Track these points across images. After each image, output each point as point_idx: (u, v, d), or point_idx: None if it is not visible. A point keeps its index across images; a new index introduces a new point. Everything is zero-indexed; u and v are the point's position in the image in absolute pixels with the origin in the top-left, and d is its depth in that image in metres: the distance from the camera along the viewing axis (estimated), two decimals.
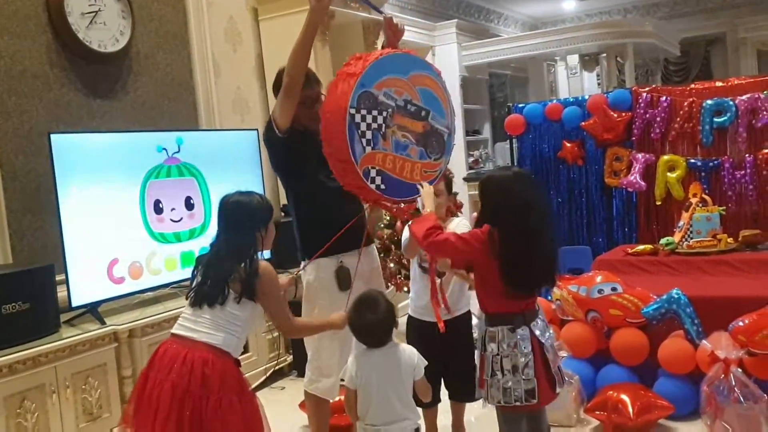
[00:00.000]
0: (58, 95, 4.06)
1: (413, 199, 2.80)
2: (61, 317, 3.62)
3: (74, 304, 3.67)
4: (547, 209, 2.54)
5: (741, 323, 3.18)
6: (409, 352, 2.47)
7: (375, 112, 2.62)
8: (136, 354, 3.75)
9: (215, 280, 2.41)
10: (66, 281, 3.62)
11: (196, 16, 4.99)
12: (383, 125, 2.65)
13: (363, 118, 2.59)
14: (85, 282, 3.70)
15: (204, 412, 2.27)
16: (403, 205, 2.78)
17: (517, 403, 2.42)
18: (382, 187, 2.66)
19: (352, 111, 2.57)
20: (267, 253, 4.77)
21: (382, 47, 3.04)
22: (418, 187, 2.70)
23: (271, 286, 2.45)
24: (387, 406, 2.39)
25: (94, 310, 3.76)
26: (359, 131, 2.58)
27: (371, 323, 2.42)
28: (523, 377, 2.41)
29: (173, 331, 2.46)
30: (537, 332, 2.45)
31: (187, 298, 2.47)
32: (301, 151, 2.90)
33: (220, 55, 5.24)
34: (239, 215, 2.49)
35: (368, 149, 2.61)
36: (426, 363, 2.48)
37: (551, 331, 2.58)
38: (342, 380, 2.67)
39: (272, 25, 5.52)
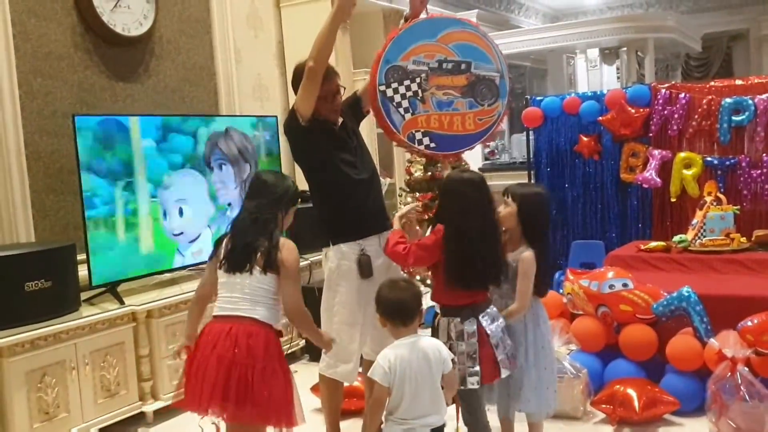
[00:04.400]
0: (82, 77, 4.13)
1: (470, 148, 3.02)
2: (82, 296, 3.71)
3: (94, 282, 3.75)
4: (492, 214, 2.67)
5: (750, 323, 3.21)
6: (435, 344, 2.49)
7: (407, 82, 2.85)
8: (153, 334, 3.84)
9: (241, 247, 2.52)
10: (87, 260, 3.70)
11: (219, 2, 5.05)
12: (419, 90, 2.86)
13: (396, 91, 2.84)
14: (105, 261, 3.78)
15: (251, 379, 2.39)
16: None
17: (461, 387, 2.60)
18: (432, 145, 2.90)
19: (382, 87, 2.83)
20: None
21: (405, 19, 3.10)
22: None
23: (290, 260, 2.53)
24: (418, 401, 2.39)
25: (113, 290, 3.84)
26: (394, 103, 2.83)
27: (403, 299, 2.45)
28: (468, 364, 2.61)
29: (215, 313, 2.55)
30: (484, 323, 2.63)
31: (220, 267, 2.56)
32: (323, 140, 2.95)
33: (242, 40, 5.29)
34: (267, 193, 2.59)
35: (408, 116, 2.85)
36: (453, 356, 2.51)
37: (500, 321, 2.71)
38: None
39: (294, 12, 5.57)
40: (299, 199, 2.70)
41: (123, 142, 3.89)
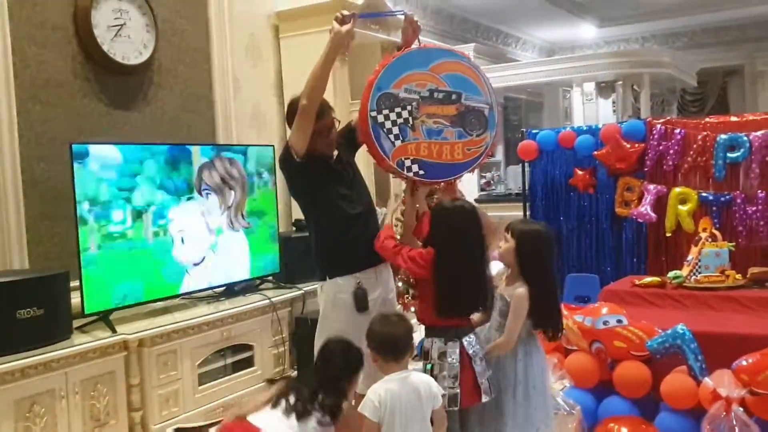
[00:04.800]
0: (80, 105, 4.14)
1: (457, 177, 3.06)
2: (74, 323, 3.68)
3: (87, 311, 3.73)
4: (481, 243, 2.72)
5: (744, 362, 3.19)
6: (425, 380, 2.49)
7: (398, 109, 2.88)
8: (145, 363, 3.81)
9: (302, 410, 2.44)
10: (80, 288, 3.69)
11: (218, 32, 5.08)
12: (410, 118, 2.89)
13: (386, 117, 2.86)
14: (98, 289, 3.76)
15: None
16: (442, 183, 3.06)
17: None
18: (421, 172, 2.93)
19: (373, 114, 2.86)
20: (276, 267, 4.83)
21: (398, 49, 3.14)
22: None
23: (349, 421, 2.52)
24: None
25: (105, 318, 3.81)
26: (384, 129, 2.86)
27: (395, 334, 2.46)
28: (448, 385, 2.62)
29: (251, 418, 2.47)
30: (467, 345, 2.67)
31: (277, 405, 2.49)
32: (318, 176, 2.96)
33: (240, 70, 5.33)
34: (336, 371, 2.53)
35: (398, 143, 2.88)
36: (443, 391, 2.50)
37: (481, 346, 2.75)
38: None
39: (292, 43, 5.61)
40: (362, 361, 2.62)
41: (120, 169, 3.89)
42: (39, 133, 3.93)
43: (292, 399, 2.46)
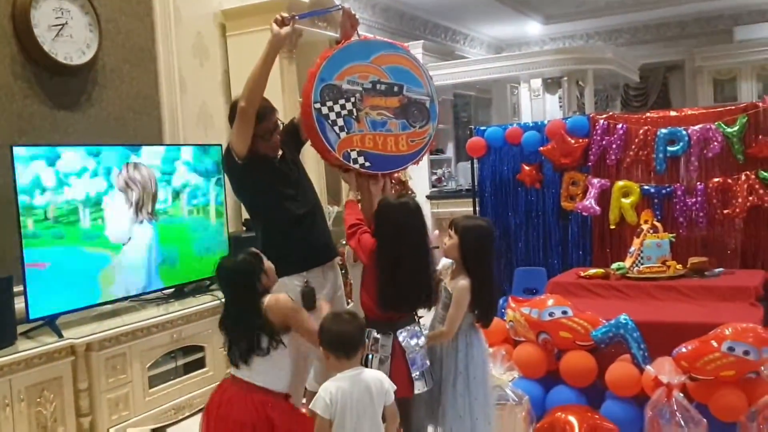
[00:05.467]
0: (21, 107, 4.06)
1: (402, 168, 3.10)
2: (19, 329, 3.61)
3: (32, 316, 3.66)
4: (423, 241, 2.76)
5: (684, 349, 3.29)
6: (377, 376, 2.50)
7: (342, 101, 2.87)
8: (93, 368, 3.75)
9: (239, 344, 2.60)
10: (24, 293, 3.62)
11: (164, 31, 5.03)
12: (354, 110, 2.89)
13: (330, 109, 2.85)
14: (42, 294, 3.69)
15: None
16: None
17: None
18: (367, 164, 2.92)
19: (317, 105, 2.84)
20: None
21: (337, 42, 3.15)
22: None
23: (281, 318, 2.59)
24: None
25: (51, 323, 3.74)
26: (329, 121, 2.84)
27: (346, 331, 2.47)
28: None
29: (232, 372, 2.67)
30: (400, 338, 2.71)
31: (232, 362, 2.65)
32: (262, 177, 2.95)
33: (187, 70, 5.28)
34: (233, 284, 2.65)
35: (343, 134, 2.87)
36: (395, 387, 2.51)
37: (421, 340, 2.79)
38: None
39: (240, 41, 5.57)
40: (257, 264, 2.67)
41: (60, 171, 3.82)
42: None
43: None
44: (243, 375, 2.62)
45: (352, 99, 2.89)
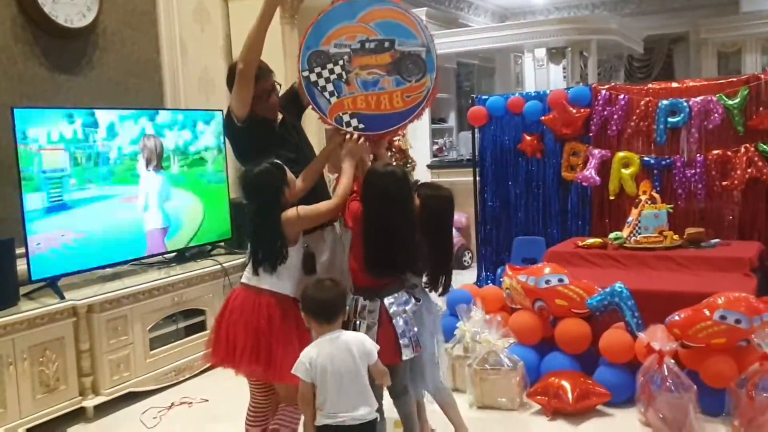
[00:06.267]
0: (22, 69, 4.07)
1: (401, 126, 3.03)
2: (21, 290, 3.66)
3: (34, 277, 3.70)
4: (409, 209, 2.76)
5: (677, 317, 3.34)
6: (358, 338, 2.54)
7: (330, 65, 2.87)
8: (95, 329, 3.81)
9: (256, 255, 2.71)
10: (26, 255, 3.66)
11: None
12: (343, 73, 2.88)
13: (319, 75, 2.86)
14: (44, 256, 3.74)
15: (272, 343, 2.65)
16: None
17: None
18: (361, 126, 2.91)
19: (305, 73, 2.86)
20: (228, 233, 4.85)
21: (332, 2, 3.07)
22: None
23: (295, 230, 2.72)
24: (344, 395, 2.43)
25: (53, 284, 3.79)
26: (318, 88, 2.86)
27: (327, 298, 2.51)
28: None
29: (242, 280, 2.80)
30: (387, 304, 2.73)
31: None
32: (263, 139, 2.96)
33: (188, 34, 5.26)
34: (256, 193, 2.71)
35: (333, 99, 2.87)
36: (378, 347, 2.54)
37: (410, 306, 2.79)
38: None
39: (241, 6, 5.54)
40: (278, 173, 2.72)
41: (63, 134, 3.84)
42: None
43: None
44: (253, 281, 2.72)
45: (341, 62, 2.87)
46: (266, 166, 2.69)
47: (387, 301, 2.74)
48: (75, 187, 3.90)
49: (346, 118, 2.88)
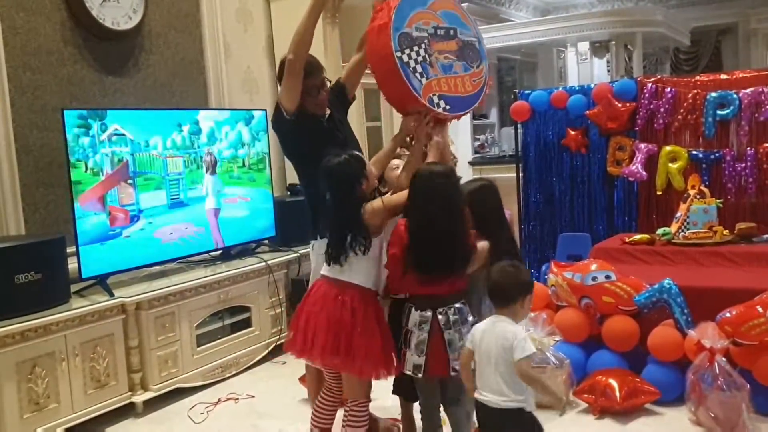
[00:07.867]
0: (71, 71, 4.16)
1: (474, 107, 3.17)
2: (72, 288, 3.74)
3: (84, 275, 3.78)
4: (457, 206, 2.68)
5: (728, 314, 3.26)
6: (510, 330, 2.46)
7: (416, 47, 2.92)
8: (143, 326, 3.88)
9: (336, 246, 2.74)
10: (77, 253, 3.74)
11: None
12: (426, 56, 2.95)
13: (409, 56, 2.89)
14: (95, 254, 3.82)
15: (353, 337, 2.67)
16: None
17: (409, 373, 2.70)
18: (447, 107, 2.97)
19: (398, 54, 2.86)
20: (272, 231, 4.89)
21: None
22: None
23: (377, 221, 2.72)
24: (482, 374, 2.49)
25: (103, 282, 3.87)
26: (410, 68, 2.88)
27: (501, 284, 2.50)
28: (417, 353, 2.67)
29: (323, 273, 2.82)
30: (440, 317, 2.66)
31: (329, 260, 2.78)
32: (311, 134, 2.99)
33: (231, 35, 5.32)
34: (336, 183, 2.73)
35: (423, 80, 2.92)
36: (533, 351, 2.45)
37: (467, 322, 2.69)
38: None
39: (283, 6, 5.59)
40: (358, 166, 2.74)
41: (113, 136, 3.91)
42: (31, 101, 3.95)
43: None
44: (334, 274, 2.75)
45: (423, 45, 2.94)
46: (346, 157, 2.72)
47: (440, 313, 2.66)
48: (126, 188, 3.97)
49: (435, 99, 2.93)
